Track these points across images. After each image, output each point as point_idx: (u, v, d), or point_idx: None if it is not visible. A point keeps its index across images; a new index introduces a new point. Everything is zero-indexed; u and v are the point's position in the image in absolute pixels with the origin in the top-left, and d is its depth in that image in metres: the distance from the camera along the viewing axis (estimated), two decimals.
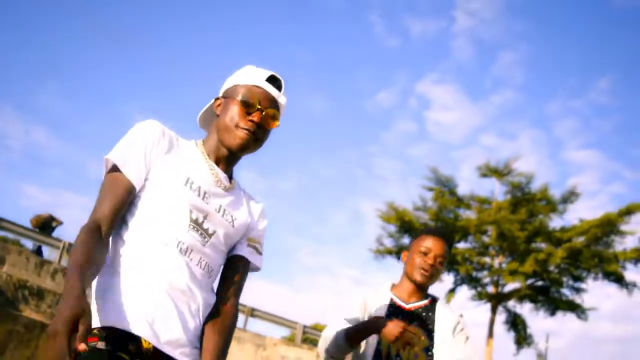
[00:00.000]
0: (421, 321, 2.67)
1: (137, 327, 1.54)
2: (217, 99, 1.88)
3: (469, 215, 22.84)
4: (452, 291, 22.94)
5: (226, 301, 1.77)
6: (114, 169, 1.67)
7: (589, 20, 46.18)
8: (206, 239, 1.72)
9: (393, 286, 2.80)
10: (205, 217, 1.72)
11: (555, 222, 22.56)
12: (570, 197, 22.13)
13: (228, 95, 1.83)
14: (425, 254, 2.71)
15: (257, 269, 1.91)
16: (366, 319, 2.64)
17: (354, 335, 2.47)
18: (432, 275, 2.70)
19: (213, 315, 1.73)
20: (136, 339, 1.54)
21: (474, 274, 22.71)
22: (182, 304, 1.64)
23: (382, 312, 2.66)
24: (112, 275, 1.61)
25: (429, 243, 2.72)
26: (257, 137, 1.79)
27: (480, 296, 22.78)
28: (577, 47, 46.08)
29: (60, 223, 15.62)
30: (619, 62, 44.47)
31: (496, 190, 23.31)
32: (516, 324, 22.59)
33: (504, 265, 21.99)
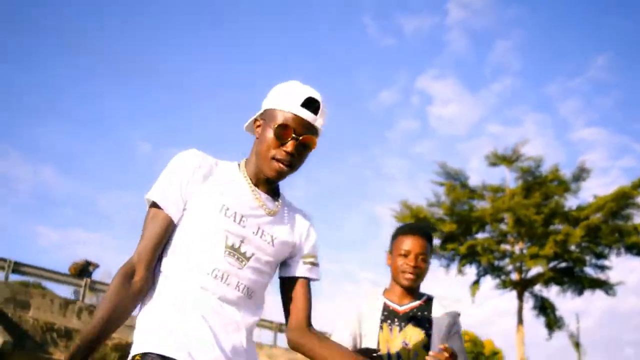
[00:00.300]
0: (417, 321, 2.65)
1: (174, 352, 1.61)
2: (256, 119, 1.89)
3: (483, 205, 22.81)
4: (476, 283, 22.89)
5: (300, 321, 1.87)
6: (154, 205, 1.76)
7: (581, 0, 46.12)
8: (243, 262, 1.77)
9: (385, 290, 2.77)
10: (242, 241, 1.77)
11: (570, 202, 22.59)
12: (581, 174, 22.08)
13: (266, 119, 1.83)
14: (405, 255, 2.67)
15: (316, 280, 1.96)
16: (363, 329, 2.64)
17: None
18: (418, 275, 2.67)
19: (302, 335, 1.85)
20: None
21: (496, 263, 22.67)
22: (219, 327, 1.70)
23: (377, 318, 2.66)
24: (153, 303, 1.72)
25: (407, 244, 2.67)
26: (293, 165, 1.80)
27: (504, 284, 22.72)
28: (571, 27, 46.02)
29: (97, 266, 16.09)
30: (615, 39, 44.38)
31: (507, 177, 23.31)
32: (545, 308, 22.49)
33: (524, 251, 21.94)
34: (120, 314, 1.63)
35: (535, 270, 22.09)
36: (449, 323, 2.66)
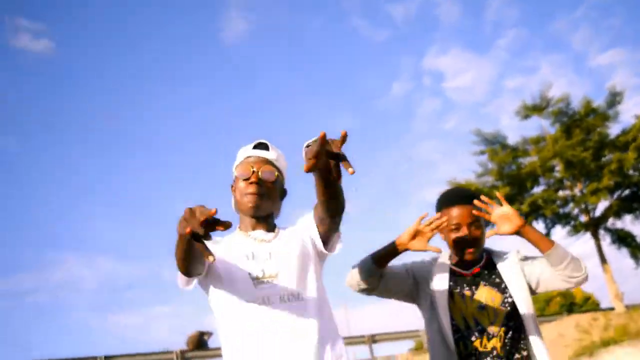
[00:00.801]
0: (487, 280, 2.55)
1: None
2: (231, 186, 2.25)
3: (530, 160, 22.58)
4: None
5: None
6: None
7: None
8: (274, 280, 2.03)
9: (450, 256, 2.68)
10: (263, 269, 2.05)
11: (613, 130, 22.12)
12: (614, 99, 21.67)
13: (234, 177, 2.20)
14: (456, 229, 2.55)
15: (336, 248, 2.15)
16: (429, 285, 2.59)
17: (378, 255, 2.48)
18: (477, 245, 2.55)
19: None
20: None
21: (561, 211, 22.36)
22: (285, 336, 1.96)
23: (445, 282, 2.56)
24: (226, 353, 2.02)
25: (456, 216, 2.54)
26: (262, 194, 2.12)
27: (576, 229, 22.38)
28: None
29: (211, 334, 16.60)
30: None
31: (543, 125, 23.03)
32: (624, 239, 22.05)
33: (584, 191, 21.61)
34: None
35: (602, 206, 21.75)
36: (515, 265, 2.56)
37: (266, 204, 2.14)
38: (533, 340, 2.47)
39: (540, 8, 44.77)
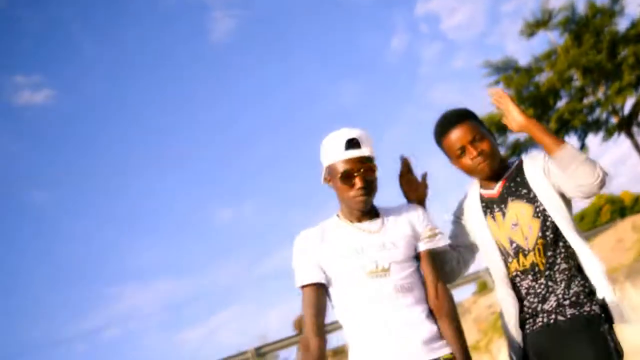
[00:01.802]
0: (514, 194, 2.37)
1: None
2: (325, 177, 2.33)
3: (546, 76, 22.23)
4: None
5: (431, 289, 2.21)
6: (303, 287, 2.19)
7: None
8: (386, 273, 2.15)
9: (476, 182, 2.51)
10: (375, 264, 2.16)
11: (622, 25, 21.60)
12: None
13: (330, 174, 2.27)
14: (462, 152, 2.38)
15: (444, 246, 2.32)
16: (466, 221, 2.50)
17: None
18: (490, 158, 2.37)
19: (433, 306, 2.19)
20: None
21: (589, 119, 22.02)
22: (400, 328, 2.10)
23: (479, 213, 2.43)
24: (351, 345, 2.20)
25: (455, 141, 2.39)
26: (369, 192, 2.22)
27: (609, 133, 22.07)
28: None
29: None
30: None
31: (551, 39, 22.60)
32: None
33: (608, 93, 21.21)
34: None
35: (629, 103, 21.33)
36: (540, 167, 2.35)
37: (372, 197, 2.25)
38: (578, 248, 2.29)
39: None
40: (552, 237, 2.31)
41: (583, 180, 2.17)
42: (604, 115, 22.08)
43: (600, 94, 21.74)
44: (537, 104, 21.97)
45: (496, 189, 2.43)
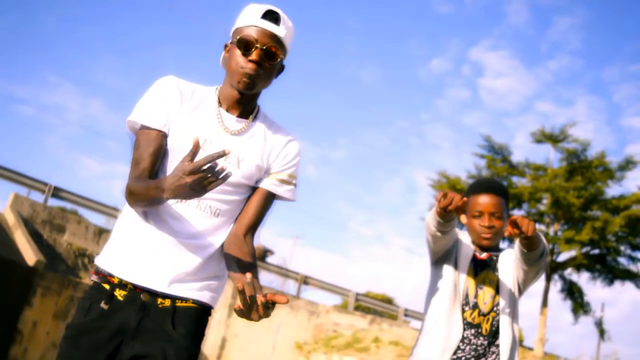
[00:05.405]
0: (492, 268, 2.70)
1: (131, 274, 1.81)
2: (226, 45, 1.97)
3: (523, 183, 22.47)
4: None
5: (240, 227, 1.91)
6: (143, 127, 1.85)
7: None
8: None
9: (472, 241, 2.78)
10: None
11: (612, 190, 22.04)
12: (627, 165, 21.52)
13: (232, 40, 1.92)
14: (478, 216, 2.64)
15: (289, 200, 1.99)
16: (457, 260, 2.71)
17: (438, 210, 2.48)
18: (495, 234, 2.65)
19: (230, 242, 1.88)
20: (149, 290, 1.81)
21: None
22: (184, 247, 1.83)
23: (468, 261, 2.70)
24: (125, 226, 1.89)
25: (479, 204, 2.64)
26: (259, 74, 1.85)
27: None
28: (636, 9, 44.25)
29: (273, 253, 17.15)
30: None
31: (551, 157, 22.82)
32: (572, 292, 22.28)
33: (559, 234, 21.62)
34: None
35: (568, 254, 21.80)
36: (511, 258, 2.68)
37: (260, 84, 1.90)
38: (502, 342, 2.58)
39: (602, 47, 44.05)
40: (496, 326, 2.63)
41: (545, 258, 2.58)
42: None
43: (552, 230, 22.12)
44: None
45: (482, 255, 2.73)
